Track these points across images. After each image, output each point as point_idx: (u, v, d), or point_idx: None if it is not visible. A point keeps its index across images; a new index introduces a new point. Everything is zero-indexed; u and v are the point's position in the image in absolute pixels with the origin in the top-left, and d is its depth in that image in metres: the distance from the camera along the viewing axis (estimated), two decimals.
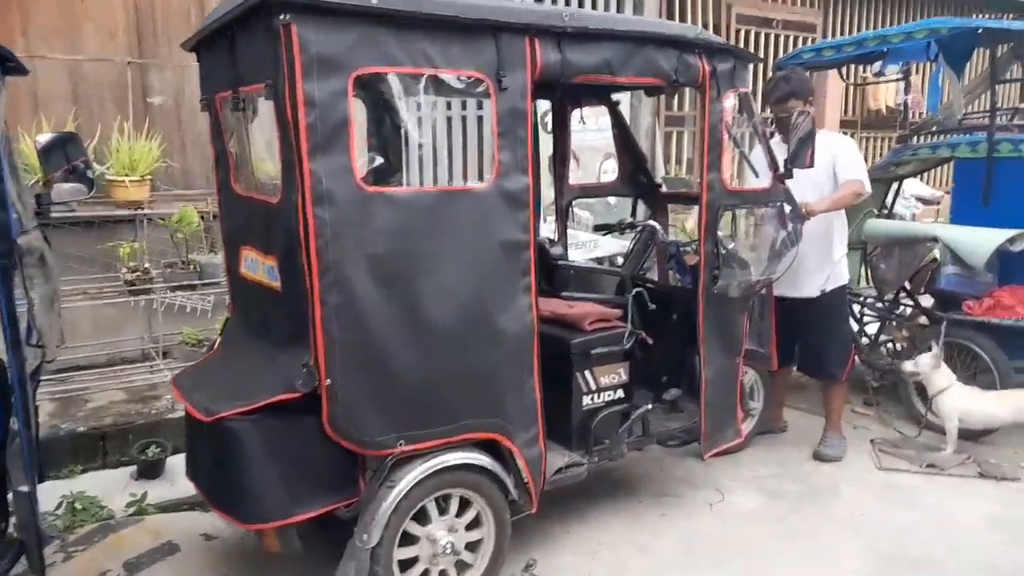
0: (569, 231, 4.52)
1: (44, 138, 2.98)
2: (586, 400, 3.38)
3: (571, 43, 2.84)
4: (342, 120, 2.39)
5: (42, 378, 4.21)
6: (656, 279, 4.11)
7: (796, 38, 7.92)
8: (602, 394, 3.42)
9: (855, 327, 4.93)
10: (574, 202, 4.48)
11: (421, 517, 2.78)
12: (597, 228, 4.36)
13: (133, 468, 3.86)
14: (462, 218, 2.66)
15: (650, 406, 3.52)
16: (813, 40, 7.85)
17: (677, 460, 4.17)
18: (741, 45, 7.59)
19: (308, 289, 2.41)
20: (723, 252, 3.47)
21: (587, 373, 3.36)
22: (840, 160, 3.95)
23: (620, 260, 4.62)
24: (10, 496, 2.71)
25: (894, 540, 3.45)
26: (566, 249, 4.28)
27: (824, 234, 4.04)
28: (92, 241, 4.33)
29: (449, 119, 5.71)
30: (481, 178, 4.12)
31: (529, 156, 2.80)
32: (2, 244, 2.39)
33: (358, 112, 2.60)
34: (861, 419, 4.84)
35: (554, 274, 3.40)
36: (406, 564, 2.77)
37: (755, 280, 3.61)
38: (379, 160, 3.05)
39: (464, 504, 2.88)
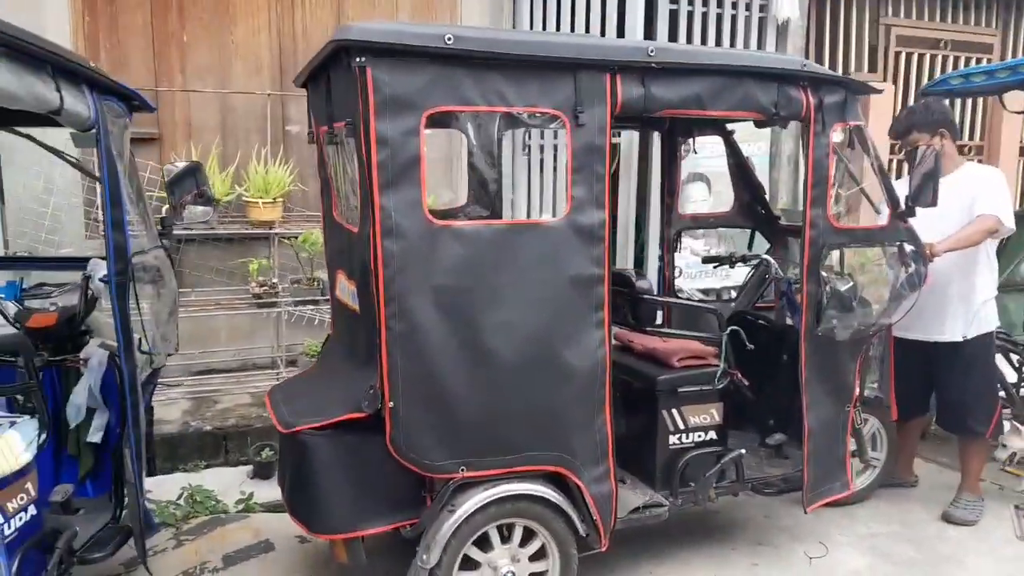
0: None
1: (173, 169, 3.31)
2: (672, 439, 3.30)
3: (656, 78, 2.80)
4: (413, 157, 2.50)
5: (179, 379, 4.71)
6: (772, 317, 3.92)
7: (969, 60, 7.26)
8: (691, 434, 3.32)
9: (1013, 378, 4.43)
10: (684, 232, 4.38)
11: (484, 543, 2.82)
12: (707, 260, 4.23)
13: (249, 468, 4.18)
14: (531, 252, 2.68)
15: (743, 451, 3.36)
16: (989, 63, 7.17)
17: (785, 508, 3.94)
18: (903, 70, 7.09)
19: (376, 315, 2.54)
20: (830, 292, 3.26)
21: (674, 411, 3.28)
22: (980, 195, 3.61)
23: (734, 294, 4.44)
24: None
25: None
26: (672, 280, 4.20)
27: (967, 274, 3.71)
28: (230, 256, 4.75)
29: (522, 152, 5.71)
30: (554, 213, 4.07)
31: (607, 191, 2.79)
32: (119, 263, 2.70)
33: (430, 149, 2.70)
34: (1011, 480, 4.33)
35: (639, 308, 3.33)
36: None
37: (868, 324, 3.36)
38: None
39: (529, 535, 2.89)
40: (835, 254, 3.33)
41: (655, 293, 3.37)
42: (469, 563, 2.81)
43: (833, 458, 3.43)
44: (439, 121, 3.22)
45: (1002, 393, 4.28)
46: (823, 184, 3.14)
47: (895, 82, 7.03)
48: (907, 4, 7.08)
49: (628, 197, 5.04)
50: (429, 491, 2.80)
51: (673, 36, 5.83)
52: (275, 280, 4.60)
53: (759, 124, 3.21)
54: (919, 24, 7.13)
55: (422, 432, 2.62)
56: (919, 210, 3.33)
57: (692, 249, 5.71)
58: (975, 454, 3.95)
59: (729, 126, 4.02)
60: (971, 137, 7.49)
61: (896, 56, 7.06)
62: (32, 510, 2.57)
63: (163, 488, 3.90)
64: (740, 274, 5.27)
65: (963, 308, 3.73)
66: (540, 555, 2.92)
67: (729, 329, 3.34)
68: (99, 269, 2.97)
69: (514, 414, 2.73)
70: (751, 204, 4.14)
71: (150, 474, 3.22)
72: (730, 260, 4.08)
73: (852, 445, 3.84)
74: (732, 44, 6.10)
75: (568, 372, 2.77)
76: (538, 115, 2.71)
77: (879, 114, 6.58)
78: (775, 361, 3.58)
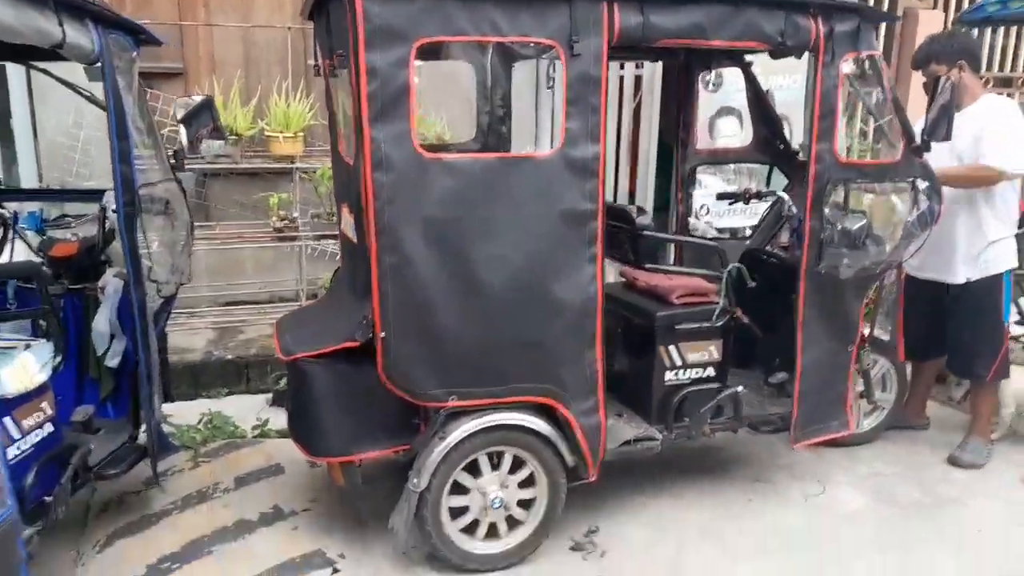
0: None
1: (186, 103, 3.36)
2: (669, 375, 3.32)
3: (655, 6, 2.73)
4: (402, 88, 2.50)
5: (206, 309, 4.87)
6: (786, 255, 3.87)
7: None
8: (688, 371, 3.33)
9: None
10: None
11: (474, 469, 2.91)
12: (720, 196, 4.16)
13: (268, 395, 4.35)
14: (523, 185, 2.68)
15: (740, 388, 3.37)
16: None
17: (788, 447, 3.92)
18: None
19: (368, 247, 2.60)
20: (837, 229, 3.20)
21: (671, 347, 3.29)
22: (986, 132, 3.47)
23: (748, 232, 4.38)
24: None
25: (1012, 570, 3.08)
26: (685, 217, 4.15)
27: (971, 212, 3.60)
28: (253, 190, 4.84)
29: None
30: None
31: (603, 124, 2.76)
32: (127, 194, 2.79)
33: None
34: None
35: (639, 245, 3.32)
36: (457, 512, 2.92)
37: (874, 262, 3.30)
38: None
39: (519, 462, 2.97)
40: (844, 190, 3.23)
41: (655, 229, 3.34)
42: (459, 488, 2.91)
43: (830, 397, 3.42)
44: (449, 52, 3.20)
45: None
46: (830, 117, 3.05)
47: (945, 9, 6.70)
48: None
49: (650, 131, 4.97)
50: (423, 419, 2.89)
51: None
52: (295, 214, 4.68)
53: (771, 55, 3.11)
54: None
55: (413, 362, 2.70)
56: (933, 144, 3.22)
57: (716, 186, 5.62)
58: (982, 398, 3.89)
59: (748, 57, 3.90)
60: (1013, 68, 7.12)
61: None
62: (49, 427, 2.72)
63: (186, 413, 4.08)
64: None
65: (966, 249, 3.64)
66: (529, 482, 3.00)
67: (730, 267, 3.31)
68: (114, 201, 3.08)
69: (504, 346, 2.78)
70: (769, 139, 4.04)
71: (166, 398, 3.38)
72: (744, 196, 4.01)
73: (859, 385, 3.85)
74: None
75: (559, 306, 2.80)
76: (532, 44, 2.68)
77: None
78: (784, 300, 3.54)
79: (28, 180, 4.63)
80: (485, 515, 2.95)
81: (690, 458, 3.81)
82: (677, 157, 4.09)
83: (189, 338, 4.69)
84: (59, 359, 2.77)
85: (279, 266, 5.06)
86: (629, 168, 5.40)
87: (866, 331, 3.83)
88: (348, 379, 2.79)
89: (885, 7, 6.50)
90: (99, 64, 2.65)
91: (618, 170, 5.51)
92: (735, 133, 6.27)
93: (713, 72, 5.48)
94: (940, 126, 3.14)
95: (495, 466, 2.94)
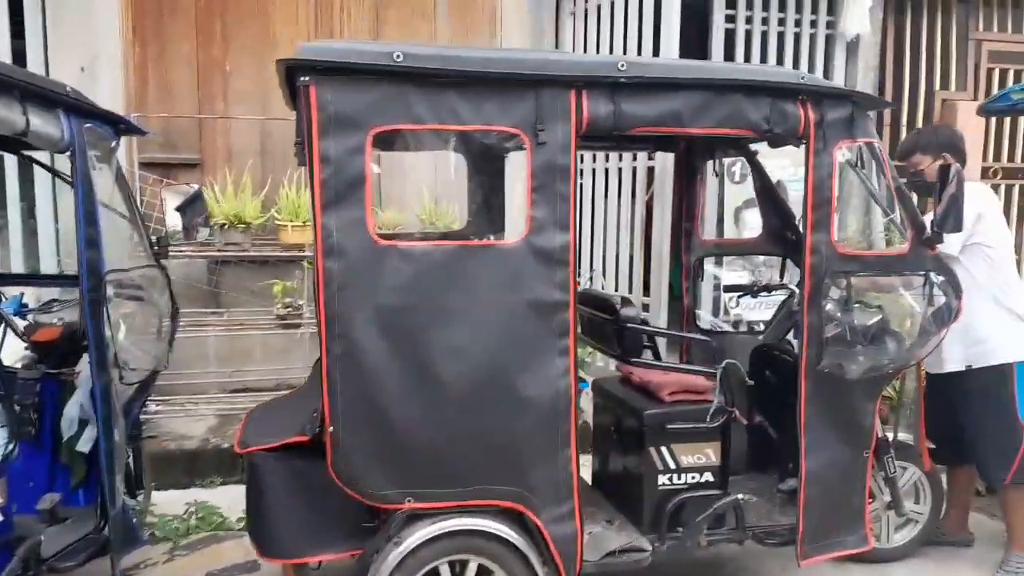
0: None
1: (180, 194, 3.40)
2: (662, 479, 3.07)
3: (628, 94, 2.65)
4: (357, 176, 2.45)
5: (215, 396, 4.84)
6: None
7: None
8: (683, 475, 3.09)
9: None
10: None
11: None
12: (728, 289, 3.97)
13: None
14: (485, 274, 2.57)
15: (742, 496, 3.10)
16: None
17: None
18: (996, 87, 6.50)
19: (319, 336, 2.50)
20: (840, 324, 2.97)
21: (663, 449, 3.06)
22: None
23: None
24: None
25: None
26: (692, 310, 3.95)
27: (970, 291, 3.29)
28: (263, 277, 4.87)
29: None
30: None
31: (572, 212, 2.64)
32: (91, 279, 2.78)
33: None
34: None
35: (624, 338, 3.13)
36: None
37: (883, 362, 3.03)
38: None
39: (485, 573, 2.74)
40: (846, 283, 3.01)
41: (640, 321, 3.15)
42: None
43: (844, 508, 3.10)
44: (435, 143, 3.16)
45: None
46: (825, 207, 2.87)
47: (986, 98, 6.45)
48: (1001, 17, 6.51)
49: (662, 222, 4.84)
50: (380, 521, 2.71)
51: (729, 57, 5.58)
52: (301, 302, 4.67)
53: (756, 142, 2.98)
54: (1015, 38, 6.54)
55: (365, 459, 2.54)
56: None
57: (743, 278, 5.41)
58: (1010, 504, 3.49)
59: (753, 146, 3.77)
60: None
61: (988, 73, 6.49)
62: None
63: (173, 503, 3.99)
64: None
65: (961, 336, 3.35)
66: None
67: (724, 363, 3.09)
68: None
69: (465, 445, 2.61)
70: (780, 229, 3.86)
71: (136, 487, 3.30)
72: (752, 290, 3.81)
73: (886, 496, 3.50)
74: (795, 64, 5.78)
75: (526, 402, 2.63)
76: (495, 133, 2.62)
77: (969, 137, 6.06)
78: (797, 399, 3.30)
79: (48, 266, 4.76)
80: None
81: (694, 571, 3.49)
82: (682, 248, 3.93)
83: (189, 425, 4.65)
84: (12, 447, 2.71)
85: (289, 353, 5.03)
86: (643, 260, 5.25)
87: (889, 435, 3.53)
88: (301, 476, 2.66)
89: (921, 99, 6.32)
90: (68, 152, 2.69)
91: (632, 263, 5.37)
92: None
93: (738, 164, 5.39)
94: (950, 216, 2.91)
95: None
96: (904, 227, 3.01)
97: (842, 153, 2.90)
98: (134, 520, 3.41)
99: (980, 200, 3.37)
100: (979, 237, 3.34)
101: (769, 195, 3.83)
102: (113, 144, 2.99)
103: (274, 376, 5.12)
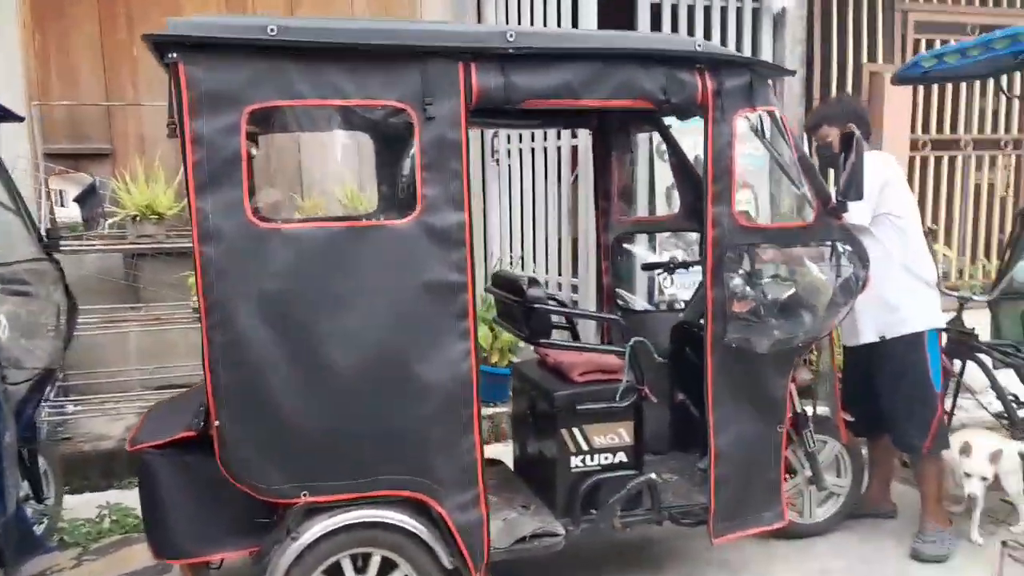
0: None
1: (78, 187, 3.24)
2: (575, 461, 3.02)
3: (518, 65, 2.57)
4: (233, 156, 2.34)
5: (138, 394, 4.68)
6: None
7: None
8: (596, 456, 3.03)
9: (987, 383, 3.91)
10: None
11: (338, 573, 2.62)
12: (645, 267, 3.92)
13: None
14: (375, 256, 2.48)
15: (654, 475, 3.06)
16: None
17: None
18: None
19: (200, 326, 2.39)
20: (744, 298, 2.93)
21: (575, 430, 3.00)
22: None
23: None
24: None
25: None
26: (612, 290, 3.89)
27: (880, 261, 3.29)
28: (182, 269, 4.70)
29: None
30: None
31: (465, 190, 2.56)
32: None
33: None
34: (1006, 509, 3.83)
35: (531, 319, 3.07)
36: None
37: (791, 334, 3.00)
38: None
39: (390, 565, 2.67)
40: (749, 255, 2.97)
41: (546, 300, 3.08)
42: None
43: (758, 484, 3.08)
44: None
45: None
46: (725, 178, 2.83)
47: None
48: None
49: (587, 202, 4.77)
50: (279, 516, 2.62)
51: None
52: None
53: (656, 113, 2.92)
54: (941, 8, 6.59)
55: (255, 453, 2.45)
56: None
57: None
58: (925, 474, 3.50)
59: (666, 120, 3.71)
60: (1008, 130, 6.85)
61: (916, 44, 6.53)
62: None
63: (88, 506, 3.85)
64: None
65: (874, 307, 3.36)
66: None
67: (632, 340, 3.04)
68: None
69: (360, 434, 2.52)
70: (697, 205, 3.81)
71: (40, 492, 3.18)
72: (669, 266, 3.76)
73: (807, 471, 3.50)
74: (723, 39, 5.75)
75: (424, 388, 2.55)
76: (380, 108, 2.52)
77: (895, 108, 6.10)
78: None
79: None
80: None
81: (620, 552, 3.45)
82: (598, 227, 3.87)
83: (108, 425, 4.50)
84: None
85: None
86: (571, 241, 5.20)
87: (809, 410, 3.52)
88: (192, 472, 2.56)
89: (850, 71, 6.34)
90: None
91: (561, 245, 5.32)
92: (747, 202, 6.06)
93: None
94: (852, 184, 2.89)
95: (360, 570, 2.64)
96: (808, 197, 2.98)
97: (742, 122, 2.85)
98: (35, 526, 3.29)
99: (885, 169, 3.36)
100: (887, 206, 3.33)
101: (685, 171, 3.76)
102: None
103: (198, 372, 4.96)
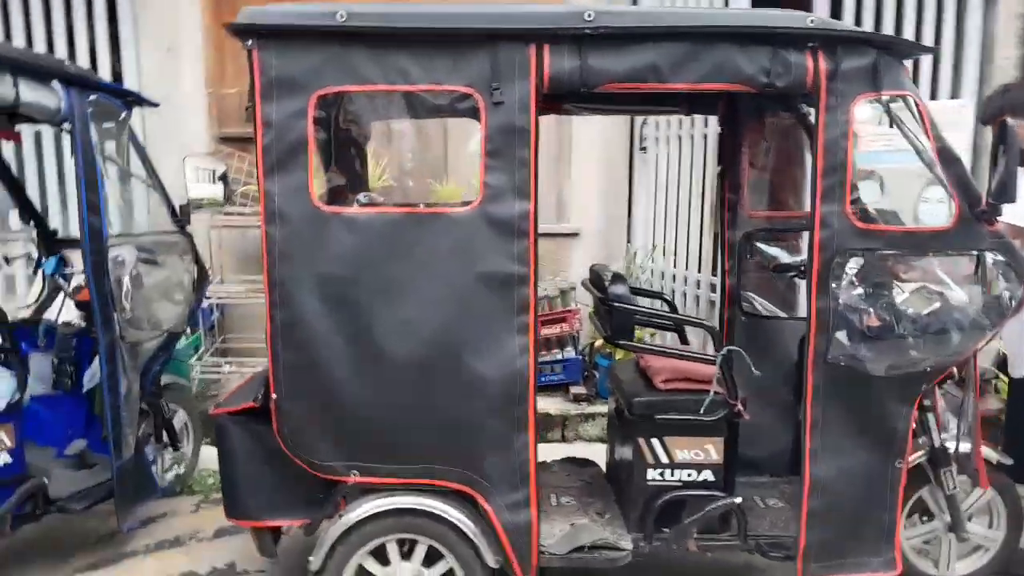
0: None
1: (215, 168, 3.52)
2: (652, 474, 2.82)
3: (596, 47, 2.40)
4: (300, 140, 2.40)
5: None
6: None
7: None
8: (677, 471, 2.81)
9: None
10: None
11: (383, 556, 2.63)
12: (776, 269, 3.53)
13: None
14: (435, 244, 2.44)
15: (739, 499, 2.77)
16: None
17: None
18: None
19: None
20: (855, 311, 2.55)
21: (653, 441, 2.80)
22: None
23: None
24: None
25: None
26: (735, 290, 3.55)
27: None
28: None
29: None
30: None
31: (533, 179, 2.45)
32: (93, 243, 2.94)
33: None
34: None
35: (613, 318, 2.85)
36: None
37: (912, 358, 2.57)
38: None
39: (437, 555, 2.64)
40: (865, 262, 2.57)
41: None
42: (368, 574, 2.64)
43: (865, 525, 2.68)
44: None
45: None
46: (839, 172, 2.46)
47: None
48: None
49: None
50: (334, 493, 2.68)
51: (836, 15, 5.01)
52: None
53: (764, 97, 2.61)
54: None
55: (309, 428, 2.52)
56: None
57: None
58: None
59: (805, 108, 3.31)
60: None
61: None
62: (7, 457, 2.90)
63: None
64: None
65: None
66: None
67: (724, 350, 2.75)
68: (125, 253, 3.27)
69: (411, 422, 2.51)
70: None
71: (171, 442, 3.53)
72: (800, 270, 3.37)
73: (946, 516, 3.01)
74: (919, 17, 5.11)
75: (478, 382, 2.48)
76: (446, 94, 2.46)
77: None
78: (802, 395, 2.90)
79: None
80: None
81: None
82: (724, 223, 3.55)
83: None
84: (19, 395, 2.93)
85: None
86: (713, 238, 4.84)
87: (951, 445, 3.01)
88: (260, 441, 2.67)
89: None
90: (67, 123, 2.84)
91: (702, 239, 4.98)
92: (875, 199, 5.42)
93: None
94: (1002, 184, 2.41)
95: (406, 555, 2.64)
96: (950, 198, 2.52)
97: (862, 109, 2.46)
98: (169, 472, 3.63)
99: None
100: None
101: None
102: (123, 115, 3.13)
103: None
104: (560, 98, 2.58)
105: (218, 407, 2.82)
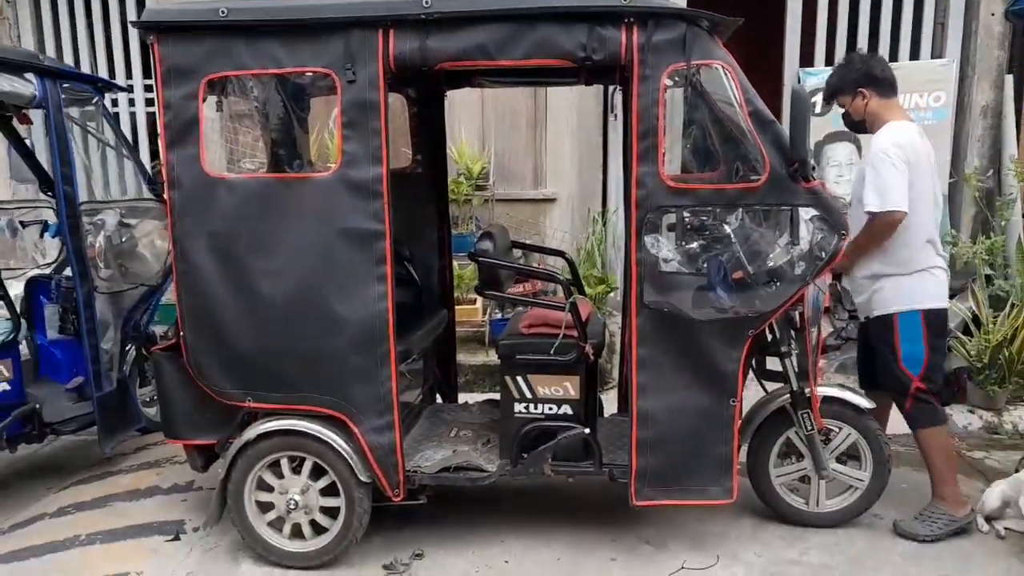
0: None
1: None
2: (518, 407, 3.18)
3: (433, 30, 2.76)
4: (192, 119, 2.88)
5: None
6: None
7: None
8: (540, 405, 3.16)
9: None
10: None
11: (280, 470, 3.12)
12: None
13: None
14: (301, 204, 2.88)
15: (587, 430, 3.09)
16: None
17: (734, 516, 3.42)
18: None
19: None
20: (668, 262, 2.83)
21: (519, 378, 3.16)
22: (865, 174, 3.06)
23: None
24: None
25: None
26: None
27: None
28: None
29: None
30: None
31: (384, 147, 2.84)
32: (69, 208, 3.54)
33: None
34: None
35: (481, 271, 3.19)
36: (265, 507, 3.14)
37: (728, 306, 2.80)
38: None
39: (324, 471, 3.10)
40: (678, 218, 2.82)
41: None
42: (267, 486, 3.13)
43: (700, 456, 2.95)
44: None
45: None
46: (651, 136, 2.73)
47: None
48: None
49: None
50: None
51: None
52: None
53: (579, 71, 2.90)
54: None
55: (210, 361, 3.02)
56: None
57: None
58: (923, 449, 3.26)
59: None
60: None
61: None
62: (5, 386, 3.58)
63: None
64: None
65: (868, 279, 3.21)
66: (334, 491, 3.10)
67: (572, 297, 3.07)
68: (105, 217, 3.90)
69: (287, 356, 2.97)
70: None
71: (142, 379, 4.14)
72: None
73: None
74: None
75: (341, 322, 2.91)
76: (308, 75, 2.88)
77: None
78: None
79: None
80: (290, 516, 3.12)
81: (602, 503, 3.51)
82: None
83: None
84: (13, 335, 3.59)
85: None
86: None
87: (822, 391, 3.20)
88: (183, 373, 3.18)
89: None
90: (42, 108, 3.44)
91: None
92: (850, 162, 5.47)
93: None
94: (795, 141, 2.64)
95: (296, 470, 3.12)
96: (759, 158, 2.73)
97: (668, 78, 2.71)
98: (139, 405, 4.24)
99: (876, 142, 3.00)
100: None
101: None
102: (96, 100, 3.72)
103: None
104: (417, 76, 2.92)
105: (154, 346, 3.38)
